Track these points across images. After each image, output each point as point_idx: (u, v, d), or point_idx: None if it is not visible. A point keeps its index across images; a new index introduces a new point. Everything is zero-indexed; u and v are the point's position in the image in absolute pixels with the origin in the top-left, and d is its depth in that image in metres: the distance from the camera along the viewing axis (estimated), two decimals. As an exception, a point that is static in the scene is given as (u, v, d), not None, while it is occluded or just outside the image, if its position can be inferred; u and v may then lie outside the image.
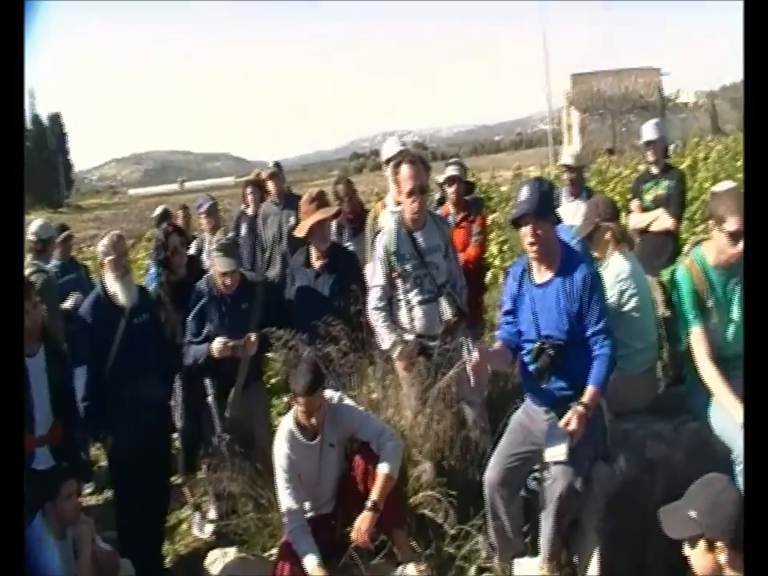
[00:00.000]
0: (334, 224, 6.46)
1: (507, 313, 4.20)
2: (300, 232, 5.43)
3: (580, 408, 3.72)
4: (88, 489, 6.45)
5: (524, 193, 3.94)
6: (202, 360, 5.09)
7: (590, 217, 4.74)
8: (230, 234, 5.40)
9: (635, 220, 6.59)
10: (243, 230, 7.85)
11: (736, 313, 4.18)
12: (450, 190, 6.26)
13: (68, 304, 6.49)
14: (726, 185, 4.11)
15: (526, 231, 3.90)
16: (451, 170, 6.29)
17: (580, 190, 6.62)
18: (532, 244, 3.90)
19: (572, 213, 5.84)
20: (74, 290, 6.72)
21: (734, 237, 3.95)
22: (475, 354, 3.76)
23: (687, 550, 2.77)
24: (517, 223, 3.97)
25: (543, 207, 3.89)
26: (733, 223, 3.92)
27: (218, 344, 5.01)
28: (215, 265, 5.21)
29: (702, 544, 2.70)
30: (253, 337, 5.08)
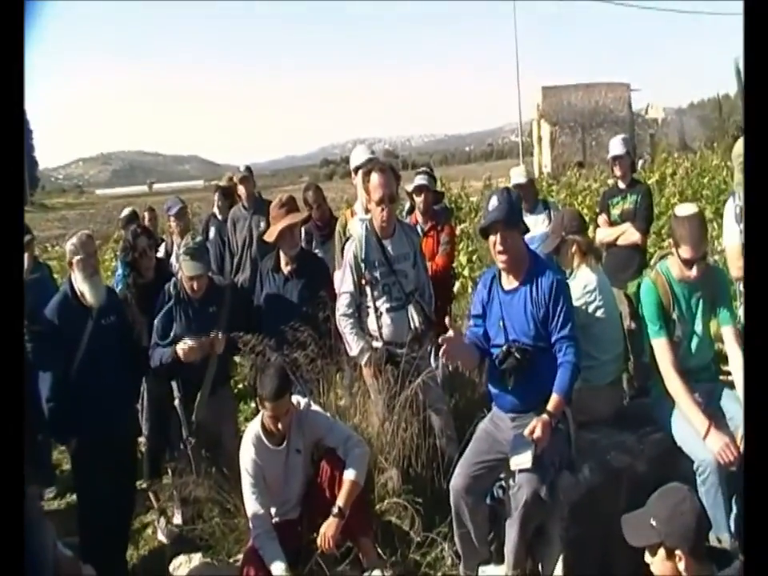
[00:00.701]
0: (302, 230, 6.47)
1: (475, 317, 4.26)
2: (269, 237, 5.42)
3: (545, 416, 3.78)
4: (50, 493, 6.38)
5: (493, 202, 3.99)
6: (167, 361, 5.03)
7: (557, 230, 4.80)
8: (199, 238, 5.36)
9: (602, 234, 6.66)
10: (212, 234, 7.82)
11: (699, 325, 4.26)
12: (419, 200, 6.29)
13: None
14: (687, 209, 4.19)
15: (494, 240, 3.96)
16: (419, 180, 6.32)
17: (534, 204, 6.69)
18: (501, 252, 3.96)
19: (531, 226, 5.93)
20: (37, 290, 6.63)
21: (687, 263, 4.07)
22: (450, 332, 3.84)
23: (648, 558, 2.83)
24: (485, 232, 4.03)
25: (512, 216, 3.95)
26: (686, 252, 4.05)
27: (183, 345, 4.97)
28: (183, 269, 5.17)
29: (661, 552, 2.76)
30: (220, 335, 5.06)
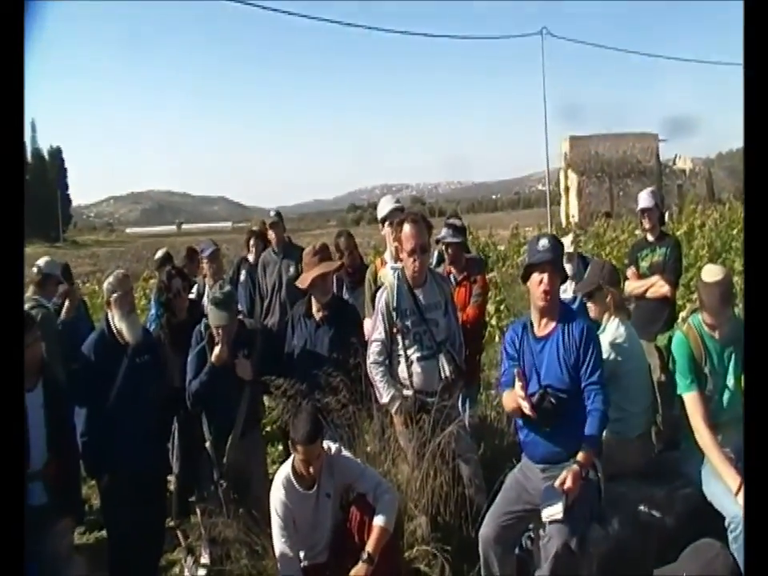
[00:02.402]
0: (333, 277, 6.56)
1: (510, 358, 4.27)
2: (303, 283, 5.49)
3: (575, 467, 3.81)
4: (80, 528, 6.41)
5: (543, 242, 4.10)
6: (205, 379, 5.10)
7: (595, 276, 4.86)
8: (227, 288, 5.42)
9: (632, 286, 6.68)
10: (242, 277, 7.92)
11: (731, 380, 4.27)
12: (449, 252, 6.28)
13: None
14: (712, 274, 4.22)
15: (541, 278, 4.05)
16: (446, 236, 6.23)
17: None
18: (546, 291, 4.04)
19: None
20: (75, 326, 6.73)
21: (710, 327, 4.13)
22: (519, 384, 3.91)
23: None
24: (530, 270, 4.11)
25: (559, 260, 4.09)
26: (707, 317, 4.16)
27: (218, 351, 5.06)
28: (209, 317, 5.23)
29: None
30: (243, 360, 5.16)
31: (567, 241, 6.72)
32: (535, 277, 4.07)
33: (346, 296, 6.66)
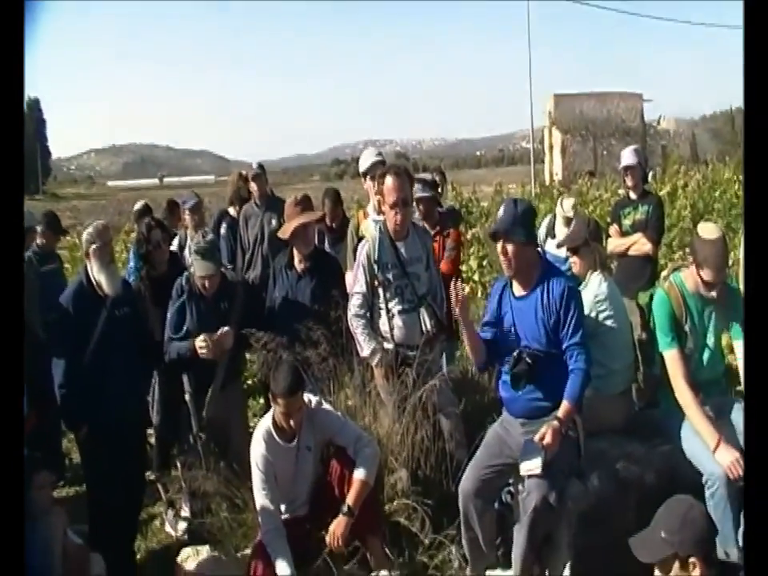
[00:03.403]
0: (315, 230, 6.51)
1: (485, 324, 4.32)
2: (284, 234, 5.44)
3: (555, 422, 3.82)
4: (60, 481, 6.39)
5: (500, 211, 4.11)
6: (186, 356, 5.06)
7: (580, 231, 4.84)
8: (210, 237, 5.35)
9: (614, 244, 6.68)
10: (223, 230, 7.84)
11: (711, 338, 4.27)
12: (421, 207, 6.17)
13: None
14: (712, 232, 4.20)
15: (498, 248, 4.07)
16: (418, 190, 6.01)
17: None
18: (504, 261, 4.07)
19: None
20: (54, 279, 6.65)
21: (707, 285, 4.10)
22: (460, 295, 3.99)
23: (658, 575, 2.83)
24: (494, 238, 4.14)
25: (514, 228, 4.00)
26: (708, 275, 4.09)
27: (201, 342, 4.99)
28: (194, 268, 5.19)
29: (675, 565, 2.76)
30: (225, 329, 5.07)
31: (568, 204, 6.65)
32: (498, 245, 4.09)
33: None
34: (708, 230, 4.21)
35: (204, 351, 4.99)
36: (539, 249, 4.38)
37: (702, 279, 4.13)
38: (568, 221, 6.37)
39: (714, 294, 4.14)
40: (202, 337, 5.01)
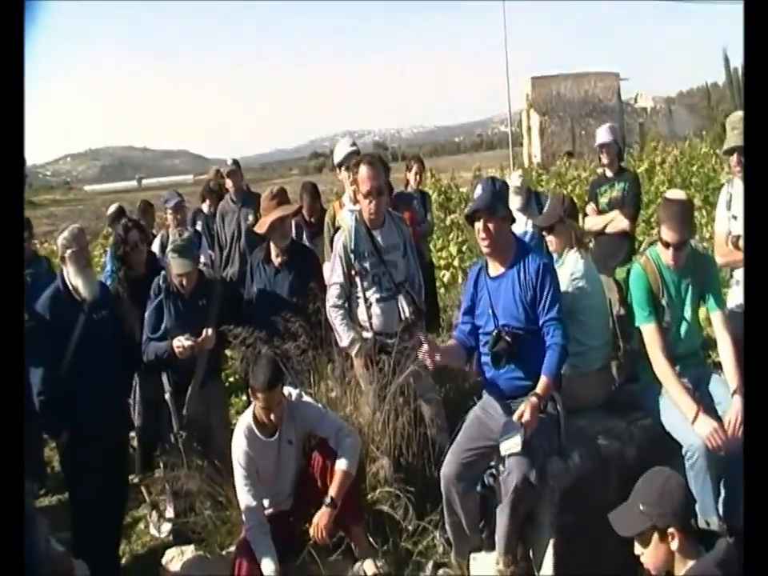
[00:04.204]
0: (293, 224, 6.49)
1: (465, 313, 4.32)
2: (260, 228, 5.43)
3: (533, 398, 3.82)
4: (41, 490, 6.36)
5: (477, 191, 4.13)
6: (163, 356, 5.04)
7: (556, 209, 4.84)
8: (186, 234, 5.32)
9: (591, 222, 6.70)
10: (198, 227, 7.82)
11: (688, 311, 4.28)
12: None
13: None
14: (676, 194, 4.23)
15: (478, 227, 4.07)
16: None
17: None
18: (483, 239, 4.08)
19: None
20: (36, 284, 6.58)
21: (666, 246, 4.09)
22: (425, 347, 3.91)
23: (638, 550, 2.84)
24: (470, 219, 4.14)
25: (494, 204, 4.04)
26: (666, 234, 4.09)
27: (178, 343, 4.96)
28: (171, 266, 5.16)
29: (654, 537, 2.77)
30: (209, 331, 5.05)
31: (515, 176, 6.94)
32: (476, 225, 4.10)
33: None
34: (673, 193, 4.27)
35: (181, 351, 4.96)
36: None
37: (662, 242, 4.12)
38: (517, 190, 6.74)
39: (671, 258, 4.11)
40: (178, 338, 4.98)
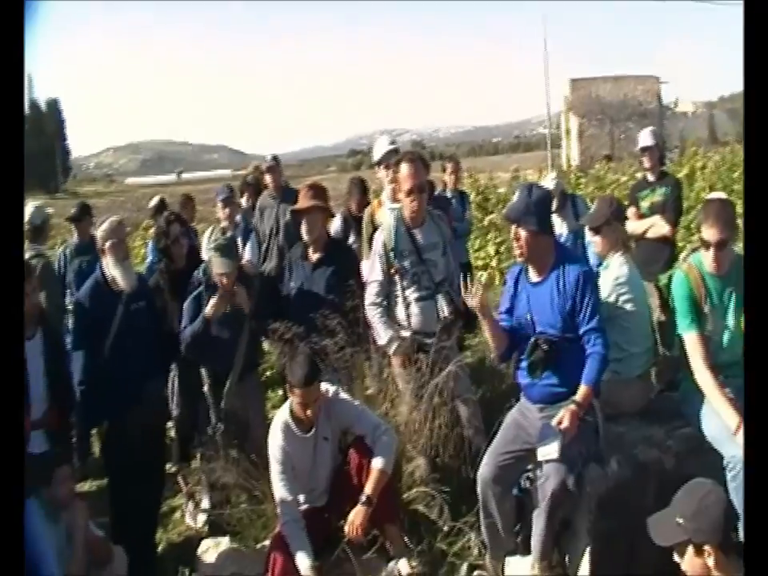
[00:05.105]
0: (339, 221, 6.57)
1: (503, 312, 4.29)
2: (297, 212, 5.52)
3: (572, 406, 3.81)
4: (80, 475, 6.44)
5: (514, 197, 4.13)
6: (199, 329, 5.04)
7: (603, 211, 4.80)
8: (229, 234, 5.35)
9: (632, 226, 6.62)
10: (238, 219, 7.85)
11: (731, 320, 4.21)
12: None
13: None
14: (716, 195, 4.16)
15: (512, 233, 4.08)
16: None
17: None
18: (516, 247, 4.07)
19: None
20: (91, 269, 6.66)
21: (705, 245, 4.01)
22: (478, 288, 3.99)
23: (676, 558, 2.81)
24: (508, 222, 4.16)
25: (526, 214, 3.99)
26: (706, 232, 3.99)
27: (208, 307, 5.02)
28: (212, 264, 5.18)
29: (690, 549, 2.73)
30: (240, 288, 5.11)
31: (549, 178, 6.97)
32: (511, 231, 4.09)
33: (352, 239, 6.61)
34: (714, 194, 4.17)
35: (214, 311, 5.02)
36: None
37: (703, 243, 4.04)
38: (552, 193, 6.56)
39: (711, 259, 3.99)
40: (214, 299, 5.04)
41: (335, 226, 6.69)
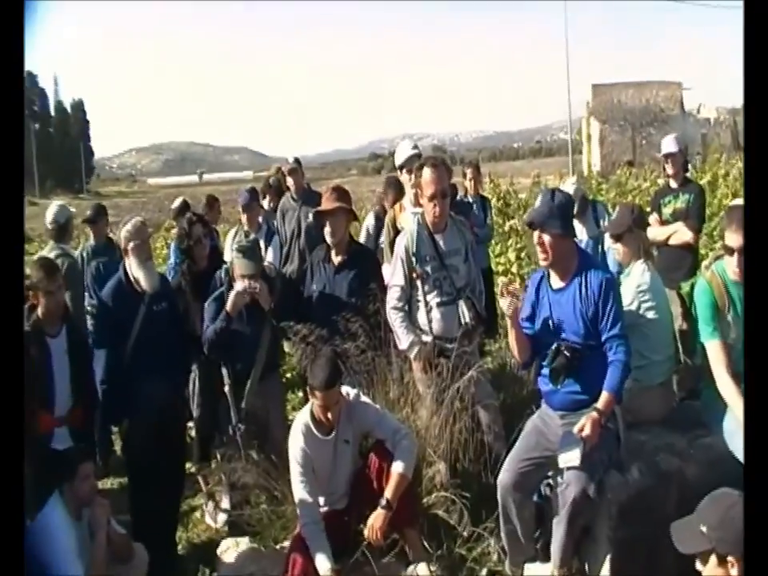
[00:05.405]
0: (372, 219, 6.61)
1: (525, 319, 4.27)
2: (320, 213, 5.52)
3: (594, 414, 3.79)
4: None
5: (537, 201, 4.11)
6: (222, 326, 5.04)
7: (625, 218, 4.79)
8: (252, 236, 5.36)
9: (654, 233, 6.59)
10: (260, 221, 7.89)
11: (755, 328, 4.18)
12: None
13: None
14: (739, 201, 4.14)
15: (535, 238, 4.07)
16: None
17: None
18: (540, 252, 4.06)
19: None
20: (109, 271, 6.71)
21: (729, 251, 3.99)
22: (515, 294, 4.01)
23: (699, 566, 2.79)
24: (530, 228, 4.14)
25: (549, 219, 3.99)
26: (730, 238, 3.95)
27: (229, 300, 5.04)
28: (235, 266, 5.19)
29: (713, 559, 2.71)
30: (259, 282, 5.10)
31: (568, 183, 7.04)
32: (535, 235, 4.08)
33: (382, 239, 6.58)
34: (738, 200, 4.14)
35: (235, 305, 5.03)
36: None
37: (726, 249, 4.01)
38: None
39: (737, 269, 3.93)
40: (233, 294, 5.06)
41: (368, 223, 6.69)
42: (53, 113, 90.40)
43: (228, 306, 5.04)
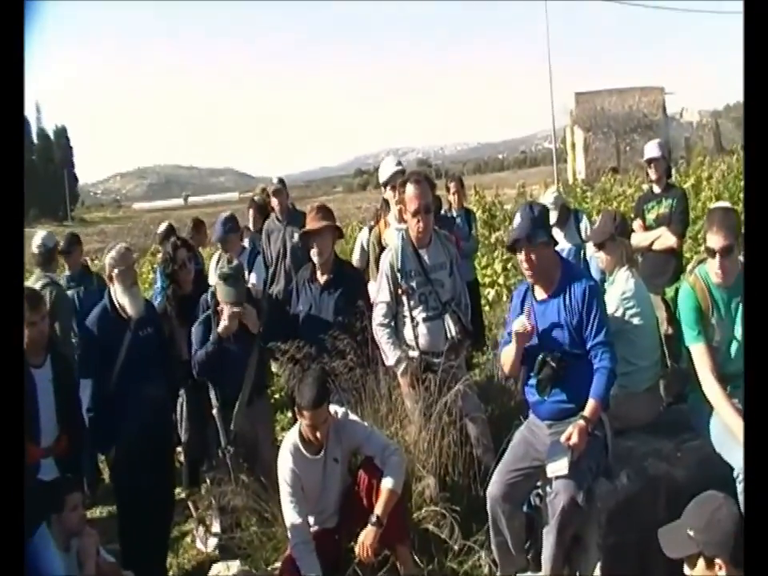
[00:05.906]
0: (367, 233, 6.54)
1: (509, 333, 4.26)
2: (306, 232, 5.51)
3: (581, 422, 3.81)
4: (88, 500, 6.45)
5: (516, 219, 4.11)
6: (212, 349, 5.05)
7: (607, 226, 4.81)
8: (235, 263, 5.34)
9: (638, 239, 6.61)
10: (245, 244, 7.88)
11: (739, 331, 4.20)
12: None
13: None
14: (721, 203, 4.18)
15: (520, 257, 4.07)
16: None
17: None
18: (527, 269, 4.06)
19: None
20: (86, 300, 6.67)
21: (710, 253, 4.00)
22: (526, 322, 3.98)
23: (687, 570, 2.79)
24: (512, 249, 4.14)
25: (534, 232, 4.01)
26: (711, 240, 3.97)
27: (221, 324, 5.05)
28: (218, 293, 5.18)
29: (701, 562, 2.71)
30: (248, 306, 5.13)
31: (549, 193, 7.13)
32: (518, 255, 4.11)
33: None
34: (719, 202, 4.18)
35: (227, 329, 5.04)
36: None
37: (708, 250, 4.02)
38: (551, 208, 6.59)
39: (719, 271, 3.96)
40: (224, 321, 5.06)
41: (362, 238, 6.69)
42: (35, 140, 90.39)
43: (220, 328, 5.04)
